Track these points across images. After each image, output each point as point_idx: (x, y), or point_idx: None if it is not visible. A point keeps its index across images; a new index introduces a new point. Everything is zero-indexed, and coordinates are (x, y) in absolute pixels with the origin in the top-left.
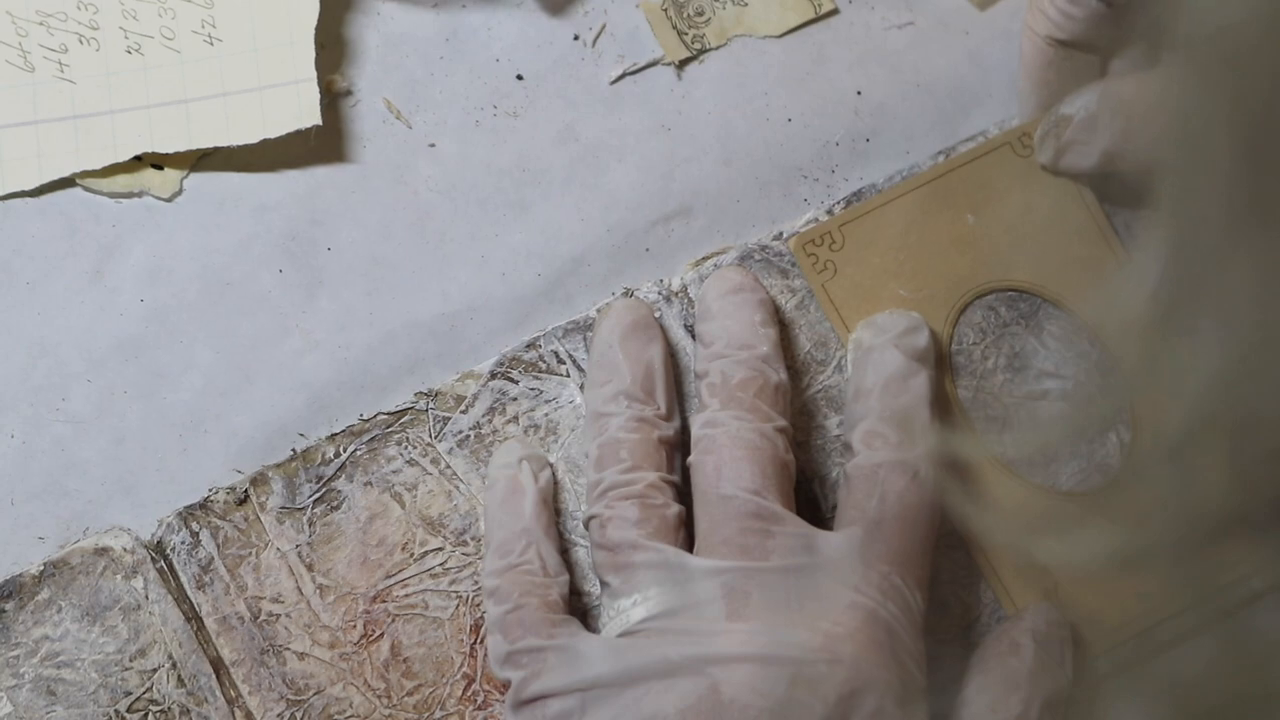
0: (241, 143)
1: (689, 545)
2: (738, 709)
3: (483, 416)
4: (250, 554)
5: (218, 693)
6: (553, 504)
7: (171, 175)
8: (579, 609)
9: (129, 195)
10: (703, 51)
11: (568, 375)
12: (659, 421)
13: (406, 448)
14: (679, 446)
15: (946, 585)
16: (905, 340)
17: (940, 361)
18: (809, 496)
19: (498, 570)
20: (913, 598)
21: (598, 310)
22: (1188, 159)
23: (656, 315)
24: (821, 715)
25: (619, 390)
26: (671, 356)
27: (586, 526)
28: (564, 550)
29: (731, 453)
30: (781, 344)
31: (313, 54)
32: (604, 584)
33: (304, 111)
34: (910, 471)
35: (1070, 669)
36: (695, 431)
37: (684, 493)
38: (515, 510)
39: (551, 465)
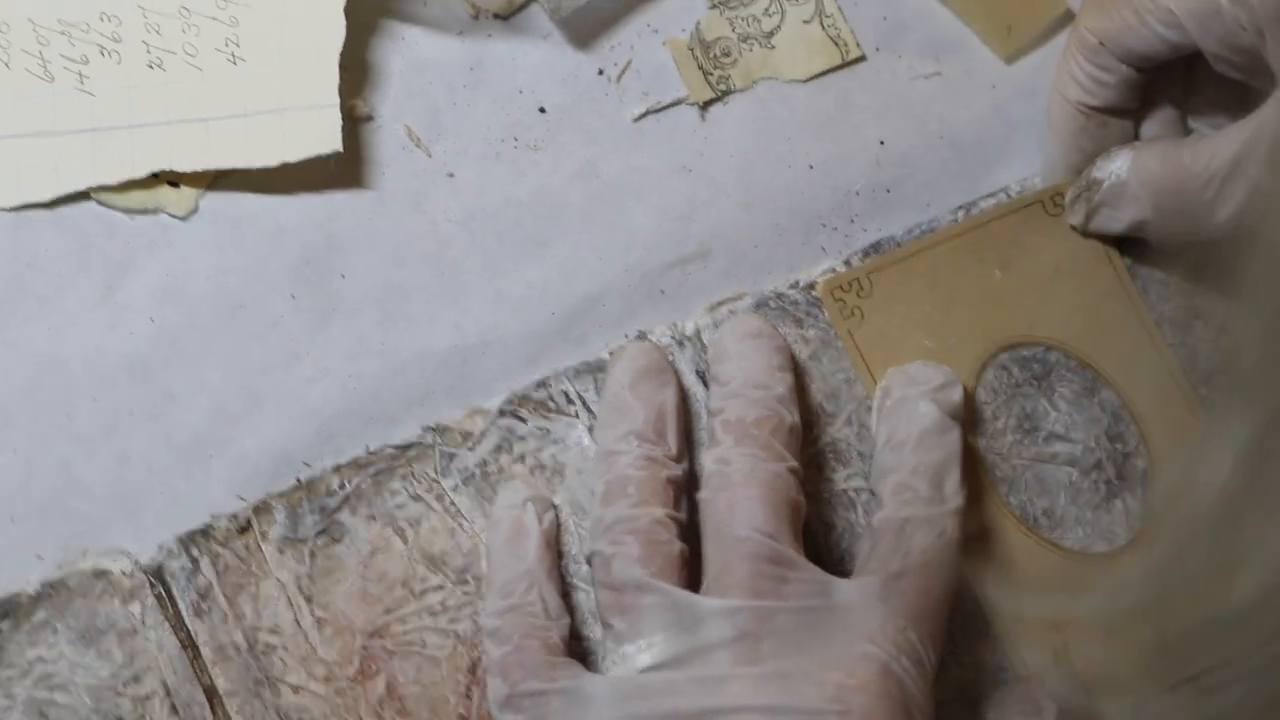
0: (261, 165)
1: (693, 585)
2: None
3: (489, 454)
4: (250, 583)
5: None
6: (556, 546)
7: (188, 193)
8: (578, 653)
9: (144, 212)
10: (727, 93)
11: (577, 416)
12: (668, 462)
13: (411, 482)
14: (687, 489)
15: (951, 635)
16: (941, 395)
17: (966, 416)
18: (812, 550)
19: (499, 611)
20: (926, 654)
21: (610, 352)
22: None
23: (669, 359)
24: None
25: (630, 430)
26: (684, 402)
27: (589, 563)
28: (565, 593)
29: (745, 491)
30: (796, 391)
31: (336, 79)
32: (607, 626)
33: (325, 137)
34: (937, 529)
35: None
36: (707, 467)
37: (689, 532)
38: (519, 551)
39: (556, 507)
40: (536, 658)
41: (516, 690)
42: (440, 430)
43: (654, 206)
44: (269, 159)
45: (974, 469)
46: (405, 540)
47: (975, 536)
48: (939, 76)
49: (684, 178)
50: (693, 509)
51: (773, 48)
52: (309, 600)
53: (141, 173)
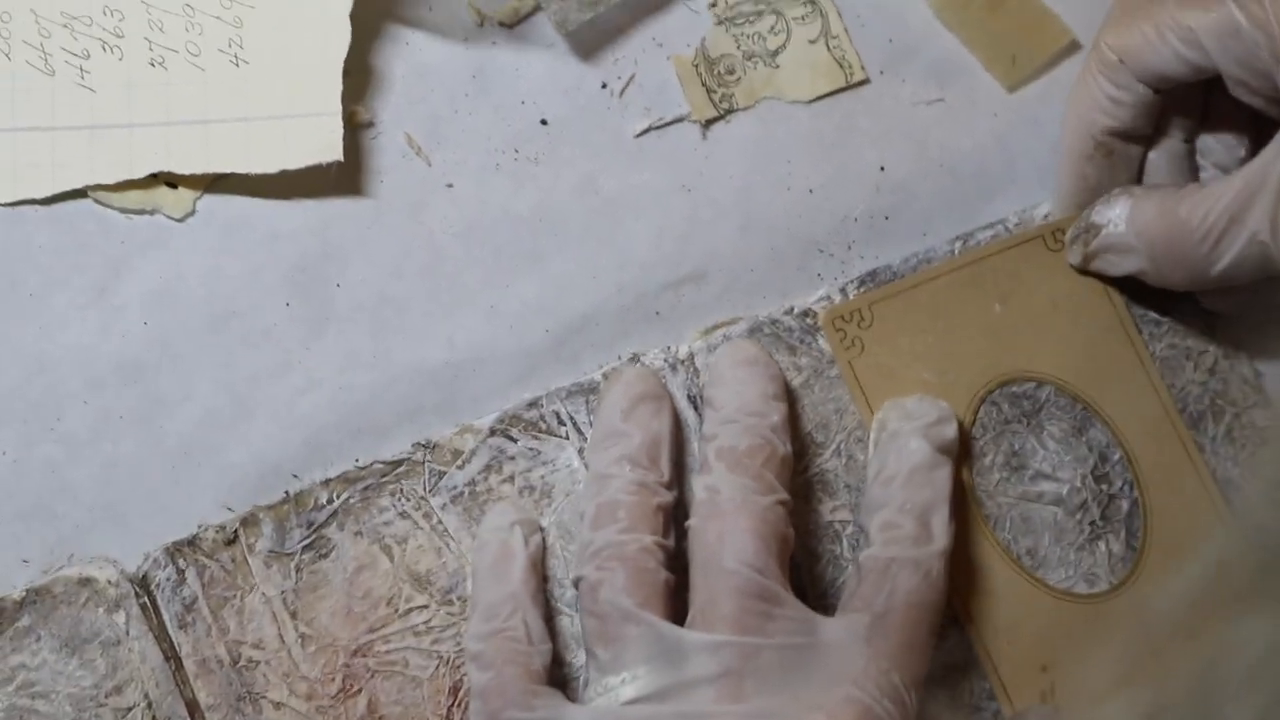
0: (260, 171)
1: (678, 614)
2: None
3: (479, 473)
4: (235, 596)
5: None
6: (542, 570)
7: (185, 195)
8: (560, 679)
9: (140, 212)
10: (730, 111)
11: (567, 438)
12: (660, 489)
13: (400, 499)
14: (676, 517)
15: (940, 672)
16: (934, 431)
17: (961, 449)
18: (796, 581)
19: (482, 634)
20: (908, 696)
21: (604, 375)
22: None
23: (664, 385)
24: None
25: (624, 454)
26: (678, 429)
27: (576, 587)
28: (549, 618)
29: (735, 522)
30: (789, 420)
31: (339, 87)
32: (591, 655)
33: (326, 145)
34: (923, 570)
35: None
36: (698, 493)
37: (677, 559)
38: (504, 574)
39: (543, 530)
40: (517, 685)
41: (497, 718)
42: (430, 447)
43: (652, 225)
44: (269, 165)
45: (966, 504)
46: (391, 558)
47: (964, 572)
48: (942, 103)
49: (683, 197)
50: (681, 536)
51: (777, 67)
52: (293, 615)
53: (140, 173)
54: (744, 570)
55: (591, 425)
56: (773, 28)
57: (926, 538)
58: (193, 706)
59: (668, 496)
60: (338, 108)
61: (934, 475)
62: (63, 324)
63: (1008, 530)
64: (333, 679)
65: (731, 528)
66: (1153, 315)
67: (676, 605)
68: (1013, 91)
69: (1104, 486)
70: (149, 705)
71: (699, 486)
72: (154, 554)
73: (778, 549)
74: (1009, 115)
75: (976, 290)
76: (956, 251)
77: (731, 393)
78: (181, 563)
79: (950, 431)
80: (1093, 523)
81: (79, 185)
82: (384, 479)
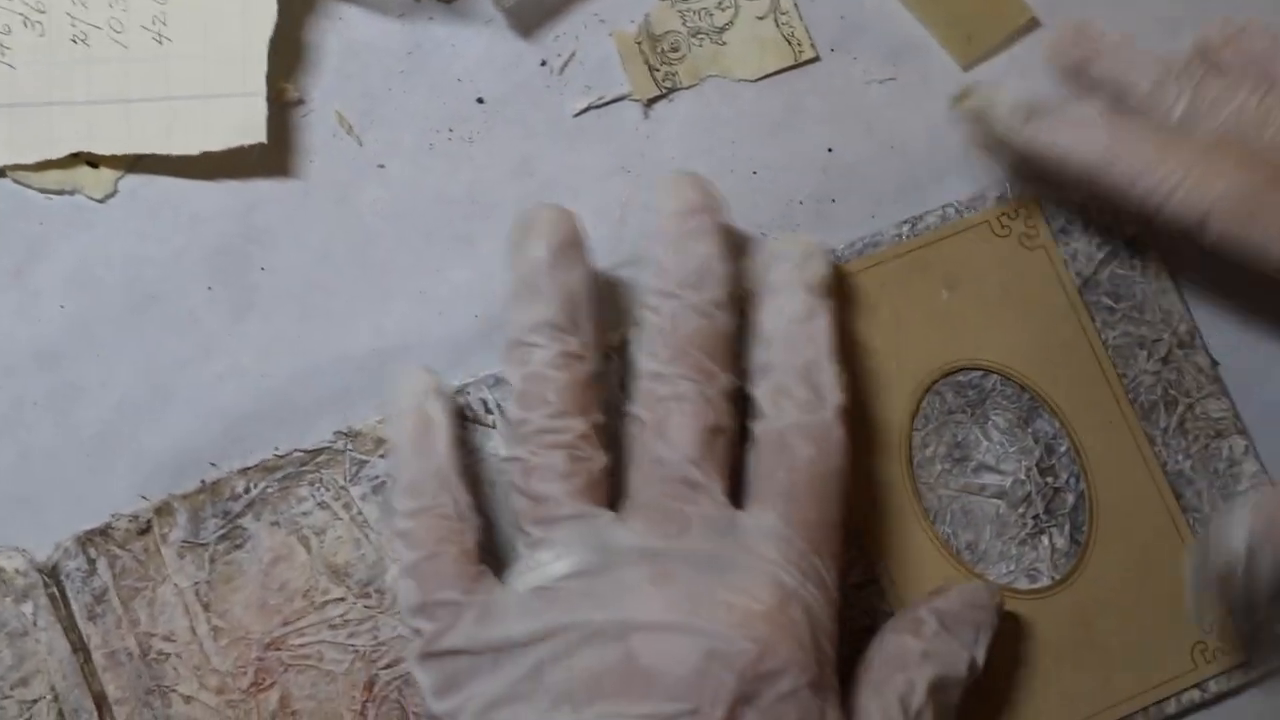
0: (181, 152)
1: (614, 496)
2: (652, 676)
3: None
4: (147, 587)
5: None
6: (459, 442)
7: (106, 175)
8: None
9: (60, 192)
10: (673, 90)
11: (493, 426)
12: (585, 354)
13: (319, 489)
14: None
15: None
16: (805, 272)
17: (902, 444)
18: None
19: (410, 512)
20: (829, 575)
21: (515, 221)
22: None
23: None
24: (734, 690)
25: (543, 319)
26: (594, 279)
27: (507, 463)
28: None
29: (673, 413)
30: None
31: (264, 67)
32: (522, 531)
33: (249, 126)
34: (819, 437)
35: (984, 653)
36: (640, 378)
37: (610, 434)
38: (427, 448)
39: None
40: (452, 566)
41: (431, 598)
42: (352, 435)
43: (589, 208)
44: (190, 146)
45: (906, 496)
46: (309, 549)
47: (901, 566)
48: (894, 82)
49: (622, 179)
50: (616, 414)
51: (724, 44)
52: (206, 608)
53: (60, 153)
54: (674, 459)
55: None
56: (720, 3)
57: (817, 399)
58: (100, 699)
59: (594, 364)
60: (261, 88)
61: (812, 327)
62: None
63: (948, 524)
64: (244, 672)
65: (665, 416)
66: (1106, 302)
67: (612, 487)
68: (968, 70)
69: (1049, 479)
70: (55, 698)
71: (641, 369)
72: (65, 543)
73: (711, 439)
74: None
75: (923, 276)
76: (904, 236)
77: (672, 258)
78: (92, 552)
79: (820, 267)
80: (1036, 516)
81: None
82: (303, 468)
